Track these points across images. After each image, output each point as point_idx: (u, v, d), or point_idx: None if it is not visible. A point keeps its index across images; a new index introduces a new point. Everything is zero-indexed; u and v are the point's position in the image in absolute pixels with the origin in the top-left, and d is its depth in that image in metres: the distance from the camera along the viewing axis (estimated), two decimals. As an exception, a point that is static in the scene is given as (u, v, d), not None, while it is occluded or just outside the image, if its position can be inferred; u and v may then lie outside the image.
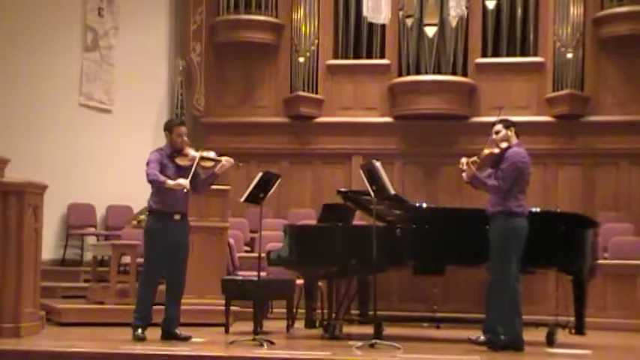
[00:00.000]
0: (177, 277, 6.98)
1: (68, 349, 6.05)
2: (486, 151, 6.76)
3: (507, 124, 6.86)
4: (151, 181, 6.89)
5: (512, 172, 6.61)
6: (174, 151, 7.00)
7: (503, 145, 6.76)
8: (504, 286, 6.51)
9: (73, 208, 11.16)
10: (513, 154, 6.68)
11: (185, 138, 7.07)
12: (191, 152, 7.00)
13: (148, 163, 6.93)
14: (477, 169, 6.76)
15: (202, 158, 6.96)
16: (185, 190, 6.83)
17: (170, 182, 6.83)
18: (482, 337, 6.60)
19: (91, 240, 11.17)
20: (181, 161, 6.97)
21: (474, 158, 6.79)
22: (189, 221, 7.13)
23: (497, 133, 6.84)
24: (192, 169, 6.86)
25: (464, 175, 6.81)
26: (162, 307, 7.00)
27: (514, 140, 6.80)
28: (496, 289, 6.56)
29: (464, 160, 6.82)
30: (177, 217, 6.96)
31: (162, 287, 7.11)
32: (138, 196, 10.60)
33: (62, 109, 11.06)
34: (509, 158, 6.66)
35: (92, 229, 11.26)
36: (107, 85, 11.66)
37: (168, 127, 7.11)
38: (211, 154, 7.06)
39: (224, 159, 7.04)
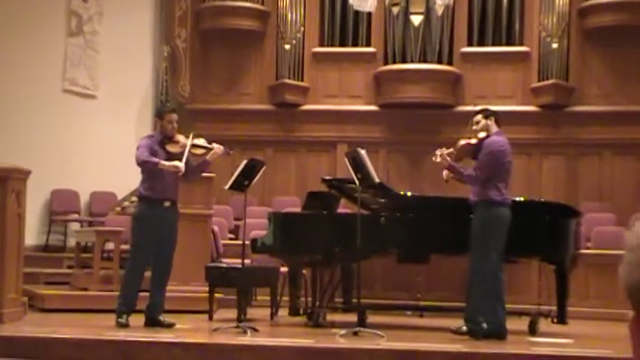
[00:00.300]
0: (165, 264, 6.97)
1: (51, 335, 6.04)
2: (462, 142, 6.75)
3: (487, 114, 6.85)
4: (142, 163, 6.81)
5: (489, 162, 6.59)
6: (164, 137, 6.97)
7: (482, 134, 6.74)
8: (485, 275, 6.52)
9: (57, 194, 11.12)
10: (490, 143, 6.66)
11: (176, 125, 7.05)
12: (182, 139, 6.98)
13: (137, 148, 6.89)
14: (455, 160, 6.75)
15: (193, 145, 6.94)
16: (180, 173, 6.81)
17: (165, 163, 6.79)
18: (463, 328, 6.61)
19: (74, 226, 11.13)
20: (172, 148, 6.95)
21: (451, 149, 6.78)
22: (178, 208, 7.10)
23: (477, 123, 6.83)
24: (185, 156, 6.83)
25: (444, 173, 6.80)
26: (146, 293, 6.99)
27: (494, 129, 6.78)
28: (477, 278, 6.57)
29: (438, 152, 6.81)
30: (167, 204, 6.93)
31: (146, 274, 7.09)
32: (122, 183, 10.63)
33: (46, 95, 11.00)
34: (485, 147, 6.65)
35: (75, 215, 11.22)
36: (91, 70, 11.59)
37: (160, 114, 7.10)
38: (202, 142, 7.04)
39: (215, 146, 7.02)
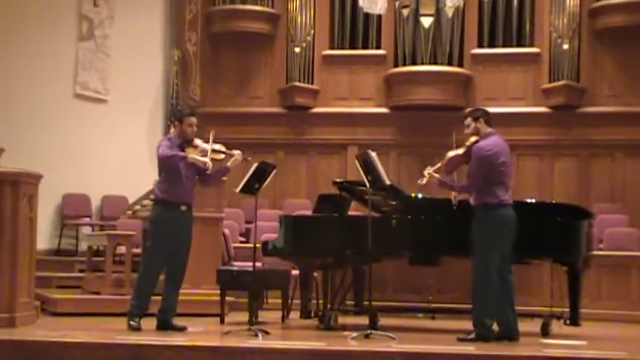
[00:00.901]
0: (179, 269, 6.95)
1: (63, 339, 6.05)
2: (451, 154, 6.68)
3: (476, 116, 6.72)
4: (170, 157, 6.71)
5: (479, 169, 6.51)
6: (184, 141, 6.94)
7: (471, 140, 6.65)
8: (487, 278, 6.46)
9: (68, 198, 11.15)
10: (476, 150, 6.55)
11: (195, 128, 7.01)
12: (201, 143, 6.95)
13: (159, 147, 6.83)
14: (448, 173, 6.70)
15: (214, 150, 6.91)
16: (208, 170, 6.78)
17: (194, 156, 6.74)
18: (472, 335, 6.56)
19: (85, 230, 11.15)
20: (192, 152, 6.90)
21: (438, 165, 6.73)
22: (192, 212, 7.08)
23: (467, 126, 6.75)
24: (208, 157, 6.79)
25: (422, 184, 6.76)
26: (158, 297, 6.98)
27: (485, 130, 6.66)
28: (479, 282, 6.51)
29: (426, 171, 6.75)
30: (184, 207, 6.90)
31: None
32: (133, 186, 10.65)
33: (58, 99, 11.04)
34: (473, 155, 6.56)
35: (87, 219, 11.25)
36: (102, 74, 11.62)
37: (179, 117, 7.00)
38: (222, 147, 7.01)
39: (236, 152, 6.99)
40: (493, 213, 6.50)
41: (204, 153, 6.85)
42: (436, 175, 6.73)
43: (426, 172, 6.74)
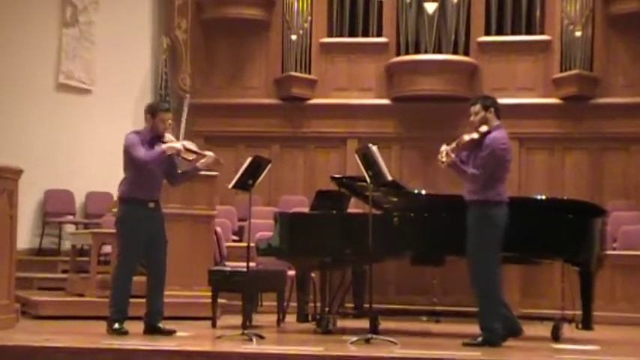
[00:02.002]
0: (159, 269, 6.95)
1: (45, 344, 6.04)
2: (466, 137, 6.67)
3: (486, 104, 6.72)
4: (153, 161, 6.76)
5: (491, 160, 6.52)
6: (155, 137, 6.95)
7: (484, 129, 6.66)
8: (487, 277, 6.47)
9: (51, 195, 11.14)
10: (492, 140, 6.56)
11: (168, 125, 7.03)
12: (172, 140, 6.97)
13: (130, 147, 6.83)
14: (455, 155, 6.70)
15: (185, 149, 6.92)
16: (179, 156, 6.82)
17: (167, 145, 6.80)
18: (480, 338, 6.56)
19: (69, 228, 11.15)
20: (168, 151, 6.91)
21: (453, 145, 6.73)
22: (162, 208, 7.08)
23: (475, 114, 6.75)
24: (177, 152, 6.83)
25: (442, 163, 6.75)
26: (143, 299, 6.98)
27: (494, 122, 6.68)
28: (483, 284, 6.50)
29: (443, 149, 6.75)
30: (151, 204, 6.92)
31: (142, 279, 7.09)
32: (119, 182, 10.62)
33: (39, 89, 11.03)
34: (488, 145, 6.55)
35: (71, 217, 11.24)
36: (87, 63, 11.61)
37: (153, 111, 7.00)
38: (193, 146, 7.02)
39: (208, 154, 7.01)
40: (493, 210, 6.51)
41: (179, 151, 6.86)
42: (452, 155, 6.70)
43: (443, 149, 6.69)
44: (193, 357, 5.91)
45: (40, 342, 6.11)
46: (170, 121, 7.10)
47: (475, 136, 6.65)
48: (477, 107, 6.75)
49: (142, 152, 6.79)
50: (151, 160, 6.79)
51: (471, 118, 6.75)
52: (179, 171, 7.17)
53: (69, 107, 11.29)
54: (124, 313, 6.85)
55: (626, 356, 6.16)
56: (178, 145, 6.85)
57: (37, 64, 11.01)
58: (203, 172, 7.60)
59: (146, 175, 6.84)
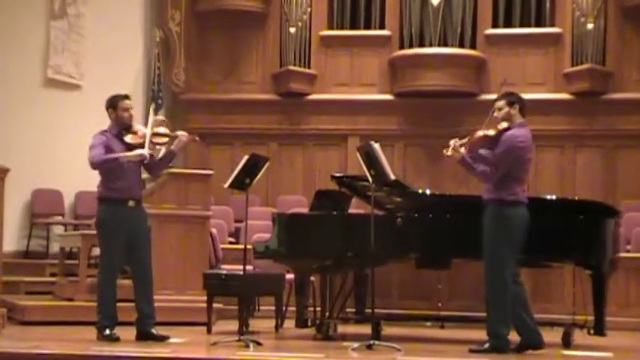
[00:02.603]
0: (144, 272, 6.94)
1: (32, 351, 6.05)
2: (480, 133, 6.65)
3: (511, 101, 6.70)
4: (101, 163, 6.78)
5: (507, 159, 6.49)
6: (121, 129, 6.96)
7: (503, 125, 6.64)
8: (502, 282, 6.45)
9: (38, 194, 11.13)
10: (510, 137, 6.53)
11: (132, 112, 7.04)
12: (141, 128, 6.97)
13: (91, 148, 6.86)
14: (469, 152, 6.68)
15: (155, 134, 6.93)
16: (145, 161, 6.81)
17: (127, 154, 6.79)
18: (487, 345, 6.56)
19: (57, 230, 11.14)
20: (131, 139, 6.92)
21: (465, 140, 6.72)
22: (144, 207, 7.08)
23: (499, 110, 6.74)
24: (147, 145, 6.82)
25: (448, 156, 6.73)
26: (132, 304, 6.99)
27: (518, 120, 6.66)
28: (493, 287, 6.48)
29: (452, 142, 6.74)
30: (131, 203, 6.91)
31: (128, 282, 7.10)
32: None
33: (26, 84, 11.01)
34: (504, 142, 6.52)
35: (59, 218, 11.23)
36: (76, 57, 11.60)
37: (113, 103, 7.06)
38: (164, 130, 7.03)
39: (180, 133, 7.02)
40: (509, 211, 6.50)
41: (144, 138, 6.85)
42: (461, 150, 6.69)
43: (452, 143, 6.68)
44: (187, 364, 5.93)
45: (26, 349, 6.12)
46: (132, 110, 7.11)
47: (491, 132, 6.63)
48: (502, 103, 6.73)
49: (94, 152, 6.81)
50: (99, 162, 6.80)
51: (494, 114, 6.74)
52: (158, 158, 7.16)
53: (58, 103, 11.29)
54: (112, 318, 6.86)
55: (640, 363, 6.17)
56: (141, 151, 6.80)
57: (23, 59, 11.00)
58: (197, 171, 7.61)
59: (120, 173, 6.83)
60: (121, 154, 6.81)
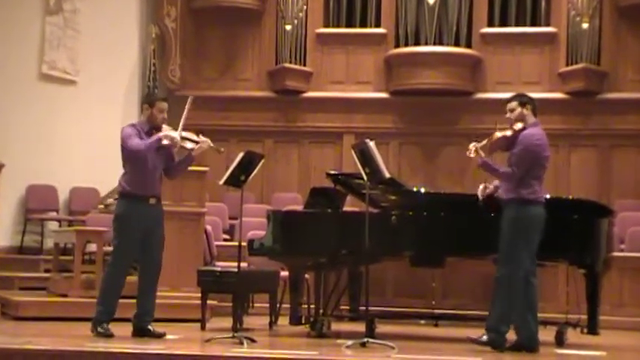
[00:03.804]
0: (153, 269, 6.94)
1: (26, 347, 6.03)
2: (498, 134, 6.72)
3: (523, 101, 6.79)
4: (148, 148, 6.74)
5: (526, 158, 6.57)
6: (152, 127, 6.95)
7: (518, 126, 6.71)
8: (514, 280, 6.49)
9: (33, 190, 11.12)
10: (527, 136, 6.62)
11: (166, 115, 7.03)
12: (170, 130, 6.96)
13: (126, 138, 6.84)
14: (488, 153, 6.74)
15: (183, 138, 6.92)
16: (176, 148, 6.83)
17: (164, 133, 6.78)
18: (484, 337, 6.61)
19: (52, 225, 11.14)
20: (164, 139, 6.91)
21: (484, 142, 6.76)
22: (162, 205, 7.09)
23: (511, 111, 6.80)
24: (177, 143, 6.82)
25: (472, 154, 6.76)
26: (131, 300, 6.98)
27: (531, 120, 6.75)
28: (504, 283, 6.54)
29: (472, 146, 6.78)
30: (152, 200, 6.92)
31: (131, 279, 7.09)
32: (105, 178, 10.62)
33: (22, 80, 11.00)
34: (522, 142, 6.61)
35: (54, 214, 11.23)
36: (72, 53, 11.59)
37: (150, 101, 7.05)
38: (192, 135, 7.02)
39: (202, 139, 7.01)
40: (529, 209, 6.55)
41: (173, 141, 6.84)
42: (482, 153, 6.73)
43: (472, 147, 6.72)
44: (181, 361, 5.93)
45: (20, 344, 6.10)
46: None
47: (508, 133, 6.69)
48: (514, 104, 6.80)
49: (136, 141, 6.80)
50: (146, 148, 6.77)
51: (507, 115, 6.79)
52: (177, 161, 7.17)
53: (53, 99, 11.27)
54: (111, 313, 6.85)
55: (633, 362, 6.19)
56: (175, 134, 6.82)
57: (19, 54, 10.98)
58: (192, 168, 7.60)
59: (145, 169, 6.83)
60: (160, 134, 6.79)
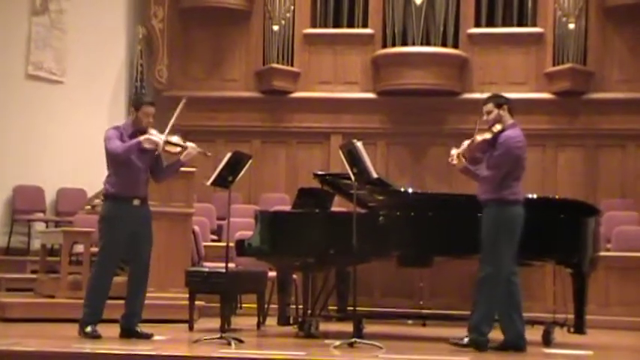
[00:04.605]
0: (141, 270, 6.94)
1: (13, 348, 6.01)
2: (479, 138, 6.69)
3: (499, 102, 6.74)
4: (125, 151, 6.73)
5: (507, 160, 6.55)
6: (137, 131, 6.94)
7: (497, 128, 6.68)
8: (497, 280, 6.51)
9: (20, 191, 11.09)
10: (507, 139, 6.58)
11: (152, 119, 7.02)
12: (155, 134, 6.95)
13: (106, 140, 6.84)
14: (469, 157, 6.72)
15: (168, 143, 6.91)
16: (157, 152, 6.79)
17: (145, 136, 6.74)
18: (465, 339, 6.60)
19: (39, 226, 11.11)
20: (144, 143, 6.90)
21: (464, 147, 6.75)
22: (149, 206, 7.09)
23: (488, 113, 6.77)
24: (160, 147, 6.80)
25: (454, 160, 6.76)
26: (120, 301, 6.97)
27: (508, 120, 6.73)
28: (487, 284, 6.54)
29: (454, 152, 6.77)
30: (136, 202, 6.92)
31: (119, 280, 7.09)
32: (92, 179, 10.60)
33: (7, 80, 10.97)
34: (502, 144, 6.57)
35: (41, 215, 11.20)
36: (58, 53, 11.56)
37: (137, 104, 7.03)
38: (177, 139, 7.00)
39: (190, 145, 7.00)
40: (510, 210, 6.54)
41: (157, 145, 6.83)
42: (464, 159, 6.73)
43: (454, 152, 6.72)
44: (169, 362, 5.92)
45: (7, 346, 6.08)
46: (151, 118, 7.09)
47: (487, 136, 6.67)
48: (490, 106, 6.75)
49: (115, 144, 6.80)
50: (123, 151, 6.77)
51: (484, 117, 6.76)
52: (165, 165, 7.16)
53: (39, 99, 11.24)
54: (98, 315, 6.84)
55: (619, 361, 6.21)
56: (156, 138, 6.81)
57: (4, 55, 10.95)
58: (180, 169, 7.59)
59: (129, 170, 6.83)
60: (141, 138, 6.76)
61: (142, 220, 6.95)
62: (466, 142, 6.74)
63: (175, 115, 6.87)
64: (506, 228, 6.53)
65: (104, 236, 6.94)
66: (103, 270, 6.93)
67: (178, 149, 6.96)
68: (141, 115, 6.96)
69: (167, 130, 6.89)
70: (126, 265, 7.16)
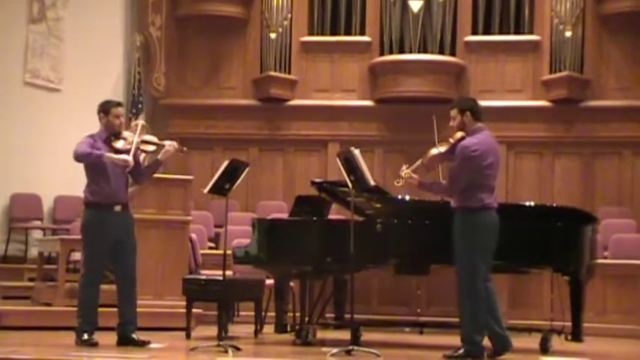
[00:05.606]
0: (127, 276, 6.94)
1: (10, 356, 6.02)
2: (433, 152, 6.61)
3: (463, 108, 6.64)
4: (82, 155, 6.77)
5: (462, 170, 6.45)
6: (110, 135, 6.97)
7: (457, 136, 6.58)
8: (473, 288, 6.43)
9: (17, 199, 11.08)
10: (462, 149, 6.47)
11: (122, 120, 7.07)
12: (129, 135, 6.97)
13: (77, 144, 6.86)
14: (427, 171, 6.67)
15: (143, 142, 6.93)
16: (128, 168, 6.80)
17: (112, 155, 6.77)
18: (461, 351, 6.58)
19: (36, 234, 11.10)
20: (119, 145, 6.92)
21: (418, 163, 6.71)
22: (131, 212, 7.08)
23: (453, 119, 6.68)
24: (132, 151, 6.81)
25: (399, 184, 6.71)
26: (116, 309, 6.97)
27: (472, 126, 6.57)
28: (466, 295, 6.47)
29: (402, 172, 6.66)
30: (117, 208, 6.91)
31: (114, 287, 7.09)
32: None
33: (4, 88, 10.96)
34: (457, 154, 6.48)
35: (38, 223, 11.19)
36: (55, 61, 11.56)
37: (105, 109, 7.08)
38: (152, 138, 7.03)
39: (167, 143, 7.02)
40: (475, 217, 6.44)
41: (132, 145, 6.85)
42: (415, 175, 6.69)
43: (402, 173, 6.67)
44: (166, 369, 5.92)
45: (5, 354, 6.08)
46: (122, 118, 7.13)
47: (442, 149, 6.58)
48: (454, 112, 6.69)
49: (78, 147, 6.83)
50: (81, 153, 6.79)
51: (451, 123, 6.74)
52: (144, 165, 7.18)
53: (36, 107, 11.24)
54: (92, 323, 6.84)
55: (616, 369, 6.22)
56: (125, 157, 6.78)
57: (1, 62, 10.94)
58: (177, 176, 7.61)
59: (106, 177, 6.84)
60: (106, 153, 6.79)
61: (124, 226, 6.95)
62: (419, 160, 6.66)
63: (136, 137, 6.87)
64: (472, 236, 6.42)
65: (87, 246, 6.96)
66: (89, 280, 6.93)
67: (154, 147, 6.98)
68: (112, 119, 7.01)
69: (138, 131, 6.90)
70: (112, 273, 7.15)
